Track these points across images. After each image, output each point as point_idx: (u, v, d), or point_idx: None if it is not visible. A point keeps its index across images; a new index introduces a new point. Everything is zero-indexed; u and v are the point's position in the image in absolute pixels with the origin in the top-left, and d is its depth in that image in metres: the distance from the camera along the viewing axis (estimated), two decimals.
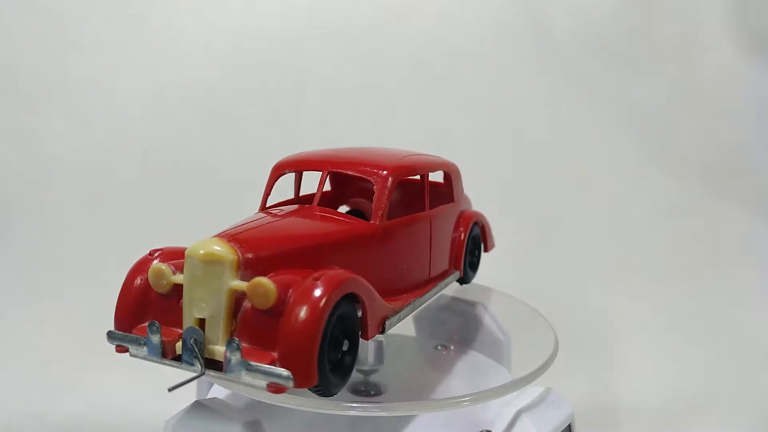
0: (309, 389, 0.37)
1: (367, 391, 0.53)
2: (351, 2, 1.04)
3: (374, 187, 0.47)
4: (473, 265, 0.63)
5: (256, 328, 0.36)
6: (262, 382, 0.34)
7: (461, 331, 0.66)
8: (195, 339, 0.36)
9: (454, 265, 0.58)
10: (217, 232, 0.39)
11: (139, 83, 1.00)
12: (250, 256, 0.37)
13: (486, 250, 0.66)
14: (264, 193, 0.51)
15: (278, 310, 0.35)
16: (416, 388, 0.54)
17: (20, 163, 0.98)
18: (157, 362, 0.37)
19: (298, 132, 1.01)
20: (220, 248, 0.36)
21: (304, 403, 0.42)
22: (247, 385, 0.35)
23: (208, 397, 0.50)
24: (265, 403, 0.50)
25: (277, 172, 0.52)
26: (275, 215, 0.45)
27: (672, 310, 0.97)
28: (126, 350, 0.39)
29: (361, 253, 0.45)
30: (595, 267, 1.00)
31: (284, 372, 0.34)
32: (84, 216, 0.97)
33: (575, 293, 0.96)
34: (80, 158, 0.99)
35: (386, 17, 1.04)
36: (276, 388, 0.34)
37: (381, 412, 0.43)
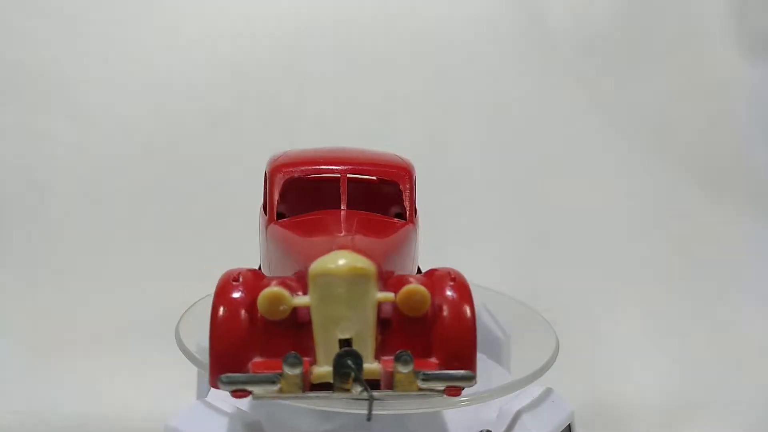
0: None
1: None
2: (351, 2, 1.04)
3: (400, 186, 0.48)
4: None
5: (408, 336, 0.35)
6: (440, 387, 0.34)
7: None
8: (351, 361, 0.33)
9: None
10: (330, 245, 0.37)
11: (139, 83, 1.00)
12: (379, 266, 0.36)
13: None
14: (272, 202, 0.48)
15: (430, 315, 0.35)
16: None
17: (20, 163, 0.98)
18: (295, 398, 0.34)
19: (298, 132, 1.01)
20: (362, 262, 0.34)
21: (305, 401, 0.41)
22: (417, 396, 0.34)
23: (208, 397, 0.50)
24: (264, 403, 0.50)
25: (281, 178, 0.48)
26: (342, 220, 0.45)
27: (672, 309, 0.97)
28: (247, 394, 0.34)
29: (409, 252, 0.45)
30: (595, 267, 1.00)
31: (466, 373, 0.34)
32: (84, 216, 0.97)
33: (575, 293, 0.96)
34: (80, 158, 0.99)
35: (386, 17, 1.04)
36: (454, 391, 0.34)
37: (380, 410, 0.43)
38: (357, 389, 0.34)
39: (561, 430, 0.50)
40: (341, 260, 0.34)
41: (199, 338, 0.54)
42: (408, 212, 0.48)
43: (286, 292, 0.34)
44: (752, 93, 1.05)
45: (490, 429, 0.48)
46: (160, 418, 0.48)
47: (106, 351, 0.90)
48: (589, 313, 0.96)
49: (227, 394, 0.51)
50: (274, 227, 0.46)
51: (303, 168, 0.49)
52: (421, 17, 1.04)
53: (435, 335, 0.35)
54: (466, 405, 0.44)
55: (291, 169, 0.48)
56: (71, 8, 0.99)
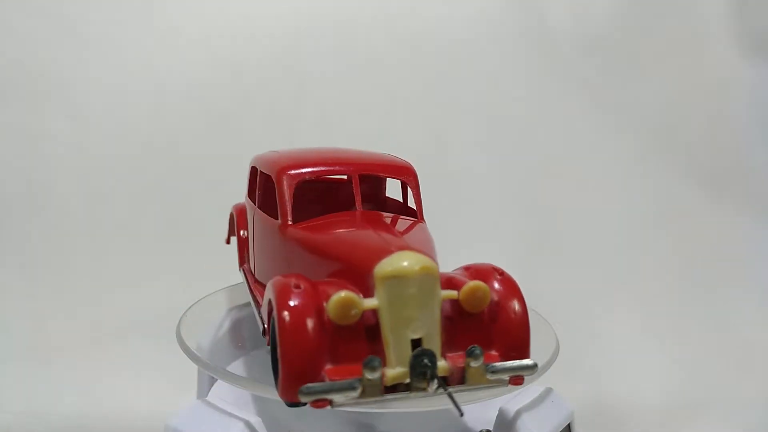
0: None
1: None
2: (351, 2, 1.04)
3: (409, 186, 0.49)
4: None
5: (467, 332, 0.36)
6: (506, 378, 0.35)
7: None
8: (428, 360, 0.34)
9: None
10: (367, 245, 0.37)
11: (139, 83, 1.00)
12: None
13: None
14: (284, 205, 0.46)
15: (487, 310, 0.36)
16: None
17: (20, 163, 0.98)
18: (375, 402, 0.34)
19: (298, 132, 1.01)
20: (429, 261, 0.35)
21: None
22: (484, 388, 0.35)
23: (208, 397, 0.50)
24: (264, 403, 0.50)
25: (293, 180, 0.47)
26: (372, 221, 0.44)
27: (672, 310, 0.97)
28: (327, 403, 0.33)
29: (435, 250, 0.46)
30: (594, 267, 1.00)
31: (530, 362, 0.36)
32: (84, 215, 0.97)
33: (575, 293, 0.96)
34: (80, 158, 0.99)
35: (386, 18, 1.04)
36: (518, 380, 0.36)
37: (379, 409, 0.44)
38: (433, 387, 0.34)
39: (561, 429, 0.50)
40: (409, 261, 0.34)
41: (200, 338, 0.54)
42: (419, 210, 0.49)
43: (356, 297, 0.34)
44: (752, 93, 1.05)
45: (490, 429, 0.48)
46: (160, 418, 0.48)
47: (106, 351, 0.90)
48: (589, 314, 0.95)
49: (227, 394, 0.52)
50: (295, 230, 0.44)
51: (314, 170, 0.48)
52: (421, 17, 1.04)
53: (494, 329, 0.36)
54: (465, 404, 0.45)
55: (301, 171, 0.47)
56: (71, 8, 0.99)
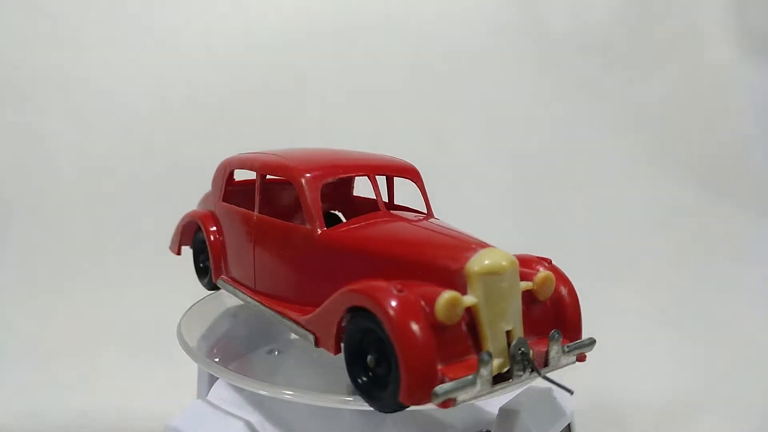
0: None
1: None
2: (351, 2, 1.04)
3: (417, 185, 0.52)
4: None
5: (536, 318, 0.39)
6: (573, 358, 0.39)
7: None
8: (524, 349, 0.37)
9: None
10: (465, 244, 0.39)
11: (139, 83, 1.00)
12: None
13: None
14: (316, 209, 0.45)
15: (553, 297, 0.40)
16: None
17: (20, 163, 0.98)
18: (486, 394, 0.35)
19: (298, 132, 1.01)
20: (512, 257, 0.38)
21: (308, 397, 0.43)
22: (560, 368, 0.39)
23: (208, 397, 0.50)
24: (264, 403, 0.50)
25: (318, 182, 0.46)
26: (413, 221, 0.46)
27: (672, 309, 0.97)
28: (451, 403, 0.34)
29: None
30: (595, 266, 1.00)
31: (590, 338, 0.40)
32: (84, 215, 0.97)
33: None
34: (80, 158, 0.99)
35: (386, 18, 1.04)
36: (583, 357, 0.40)
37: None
38: (527, 373, 0.37)
39: (561, 430, 0.50)
40: (498, 257, 0.37)
41: (200, 337, 0.54)
42: (428, 207, 0.51)
43: (460, 296, 0.35)
44: (752, 93, 1.05)
45: (489, 429, 0.48)
46: (160, 418, 0.48)
47: (106, 351, 0.90)
48: (589, 313, 0.95)
49: (227, 394, 0.52)
50: (340, 236, 0.43)
51: (335, 172, 0.48)
52: (421, 17, 1.04)
53: (556, 313, 0.40)
54: (466, 404, 0.45)
55: (322, 173, 0.47)
56: (71, 8, 0.99)
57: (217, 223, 0.56)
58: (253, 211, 0.50)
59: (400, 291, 0.35)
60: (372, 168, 0.49)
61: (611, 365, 0.92)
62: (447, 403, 0.33)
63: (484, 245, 0.38)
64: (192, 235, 0.60)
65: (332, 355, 0.40)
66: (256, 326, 0.56)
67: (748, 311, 0.99)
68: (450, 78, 1.04)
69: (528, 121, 1.04)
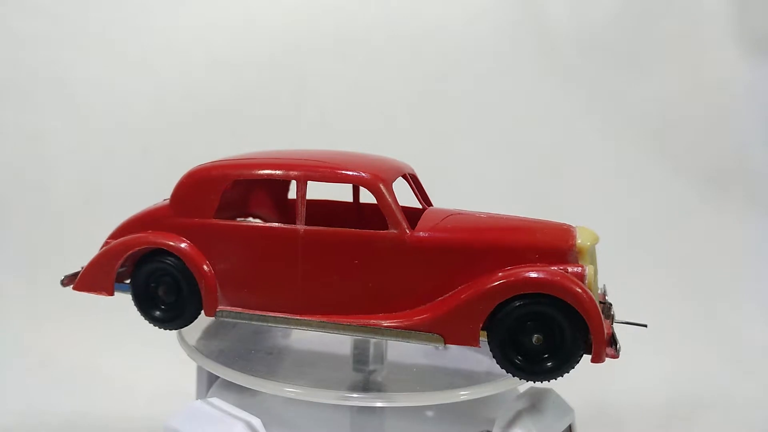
0: None
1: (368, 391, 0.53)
2: (351, 2, 1.04)
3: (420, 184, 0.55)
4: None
5: None
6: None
7: None
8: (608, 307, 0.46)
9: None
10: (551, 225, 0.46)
11: (139, 82, 1.00)
12: None
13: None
14: (401, 213, 0.44)
15: None
16: (417, 388, 0.54)
17: (20, 163, 0.98)
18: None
19: (298, 132, 1.01)
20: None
21: (305, 393, 0.44)
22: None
23: (208, 397, 0.50)
24: (265, 402, 0.50)
25: (390, 184, 0.46)
26: (460, 212, 0.49)
27: (672, 309, 0.97)
28: (618, 354, 0.43)
29: None
30: None
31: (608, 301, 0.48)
32: (84, 215, 0.97)
33: None
34: (80, 158, 0.99)
35: (386, 18, 1.04)
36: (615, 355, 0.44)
37: (378, 402, 0.45)
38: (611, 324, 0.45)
39: (561, 430, 0.50)
40: (589, 230, 0.44)
41: (200, 337, 0.54)
42: (428, 204, 0.55)
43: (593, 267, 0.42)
44: (752, 93, 1.05)
45: (490, 429, 0.48)
46: (160, 418, 0.48)
47: (106, 351, 0.90)
48: None
49: (227, 394, 0.52)
50: (434, 235, 0.44)
51: (393, 174, 0.48)
52: (421, 17, 1.04)
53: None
54: (464, 397, 0.45)
55: (388, 176, 0.47)
56: (71, 8, 0.99)
57: (203, 247, 0.48)
58: (296, 224, 0.45)
59: (566, 273, 0.41)
60: (399, 169, 0.51)
61: (612, 365, 0.92)
62: (617, 355, 0.42)
63: (566, 224, 0.46)
64: (134, 267, 0.53)
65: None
66: (255, 326, 0.56)
67: (748, 311, 0.99)
68: (450, 78, 1.04)
69: (527, 121, 1.04)
